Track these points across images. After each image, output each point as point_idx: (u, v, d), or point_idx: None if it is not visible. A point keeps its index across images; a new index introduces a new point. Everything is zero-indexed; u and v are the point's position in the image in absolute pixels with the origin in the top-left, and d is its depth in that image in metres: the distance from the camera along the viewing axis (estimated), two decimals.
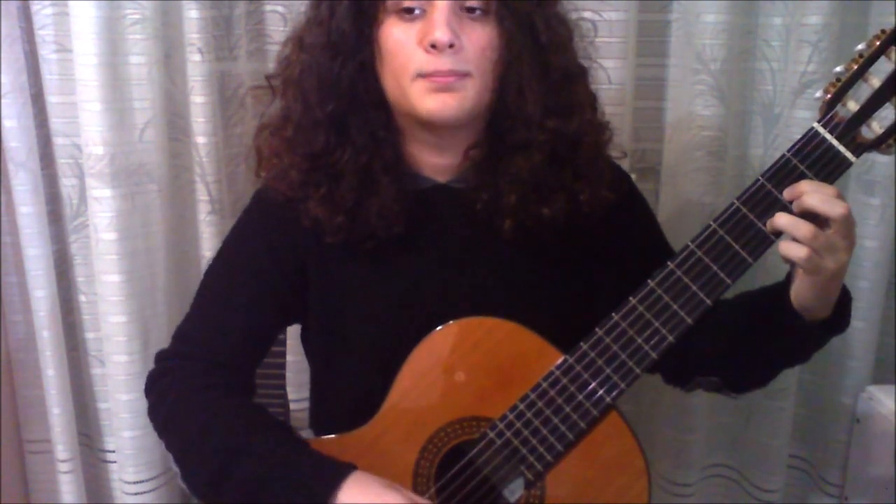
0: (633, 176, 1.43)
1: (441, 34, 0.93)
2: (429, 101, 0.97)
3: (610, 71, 1.52)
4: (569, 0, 1.46)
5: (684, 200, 1.50)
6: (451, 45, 0.94)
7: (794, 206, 0.90)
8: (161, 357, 1.13)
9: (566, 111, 1.01)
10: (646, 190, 1.51)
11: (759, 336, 1.00)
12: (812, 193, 0.89)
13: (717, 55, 1.44)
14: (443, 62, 0.95)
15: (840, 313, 0.97)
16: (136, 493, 1.65)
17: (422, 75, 0.96)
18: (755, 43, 1.49)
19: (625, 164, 1.54)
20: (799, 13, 1.43)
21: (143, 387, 1.12)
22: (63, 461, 1.67)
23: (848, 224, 0.89)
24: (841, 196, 0.89)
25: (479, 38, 0.97)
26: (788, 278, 0.96)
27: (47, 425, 1.66)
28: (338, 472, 0.96)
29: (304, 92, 1.01)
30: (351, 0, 0.98)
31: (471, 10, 0.97)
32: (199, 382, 1.06)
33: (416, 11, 0.96)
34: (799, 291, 0.94)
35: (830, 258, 0.89)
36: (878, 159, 1.47)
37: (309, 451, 1.00)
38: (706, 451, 1.67)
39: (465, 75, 0.96)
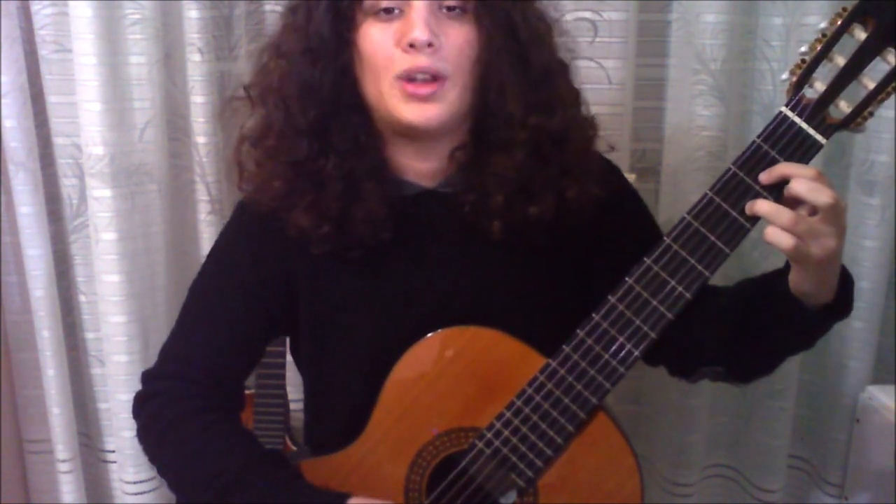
0: (633, 176, 1.44)
1: (419, 33, 0.93)
2: (408, 111, 0.96)
3: (610, 71, 1.52)
4: (569, 0, 1.47)
5: (684, 200, 1.50)
6: (429, 45, 0.93)
7: (785, 191, 0.89)
8: (148, 378, 1.10)
9: (548, 107, 1.00)
10: (646, 190, 1.51)
11: (761, 323, 0.99)
12: (799, 180, 0.87)
13: (717, 55, 1.44)
14: (421, 60, 0.94)
15: (842, 298, 0.95)
16: (136, 493, 1.65)
17: (400, 77, 0.95)
18: (755, 43, 1.48)
19: (625, 164, 1.55)
20: (799, 13, 1.43)
21: None
22: (63, 461, 1.67)
23: (835, 211, 0.87)
24: (820, 177, 0.88)
25: (458, 37, 0.96)
26: (788, 264, 0.95)
27: (47, 425, 1.67)
28: (335, 499, 0.97)
29: (284, 99, 1.00)
30: (328, 3, 0.97)
31: (450, 8, 0.96)
32: (190, 406, 1.05)
33: (395, 11, 0.95)
34: (794, 277, 0.93)
35: (816, 245, 0.87)
36: (878, 159, 1.47)
37: (304, 482, 1.01)
38: (706, 451, 1.67)
39: (443, 80, 0.95)
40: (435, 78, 0.96)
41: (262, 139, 1.03)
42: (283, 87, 1.00)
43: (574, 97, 1.05)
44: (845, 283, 0.96)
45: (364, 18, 0.97)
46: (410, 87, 0.95)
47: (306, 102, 0.99)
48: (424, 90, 0.95)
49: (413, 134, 1.00)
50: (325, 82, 0.98)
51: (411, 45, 0.93)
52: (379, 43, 0.96)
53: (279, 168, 1.01)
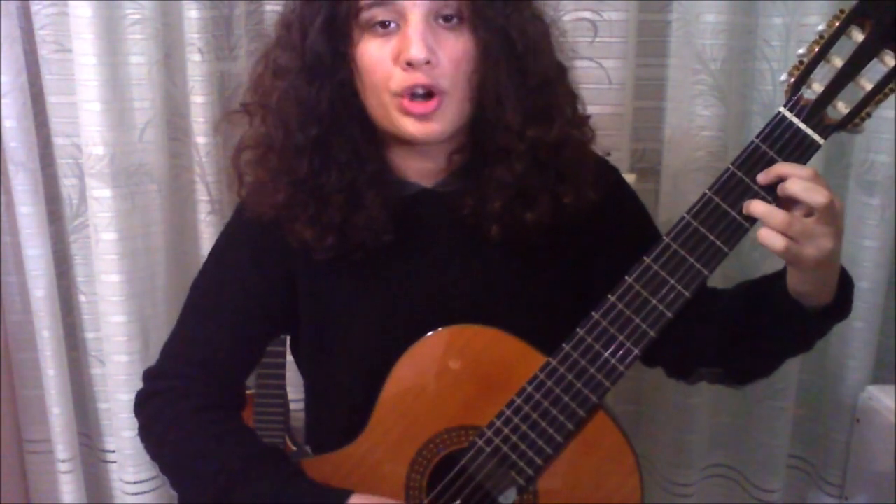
0: (633, 176, 1.44)
1: (417, 52, 0.92)
2: (409, 126, 0.96)
3: (610, 71, 1.52)
4: (569, 0, 1.47)
5: (684, 200, 1.50)
6: (427, 62, 0.93)
7: (778, 191, 0.89)
8: (150, 376, 1.11)
9: (546, 117, 1.00)
10: (646, 190, 1.52)
11: (760, 324, 0.99)
12: (794, 180, 0.87)
13: (717, 55, 1.44)
14: (419, 77, 0.94)
15: (841, 299, 0.95)
16: (136, 493, 1.65)
17: (399, 95, 0.95)
18: (755, 43, 1.48)
19: (625, 164, 1.55)
20: (799, 13, 1.43)
21: None
22: (63, 461, 1.67)
23: (831, 212, 0.86)
24: (816, 177, 0.87)
25: (455, 50, 0.95)
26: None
27: (47, 425, 1.67)
28: (336, 497, 0.97)
29: (284, 119, 0.99)
30: (323, 20, 0.96)
31: (446, 18, 0.95)
32: (191, 404, 1.05)
33: (391, 25, 0.95)
34: (792, 279, 0.93)
35: (810, 246, 0.87)
36: (878, 159, 1.47)
37: (306, 479, 1.01)
38: (706, 451, 1.67)
39: (442, 95, 0.95)
40: (433, 93, 0.95)
41: (263, 158, 1.03)
42: (282, 107, 0.99)
43: (572, 101, 1.05)
44: (845, 284, 0.96)
45: (360, 34, 0.96)
46: (407, 105, 0.95)
47: (306, 121, 0.99)
48: (424, 109, 0.95)
49: (414, 144, 1.00)
50: (322, 99, 0.98)
51: (409, 64, 0.93)
52: (376, 60, 0.95)
53: (280, 184, 1.01)
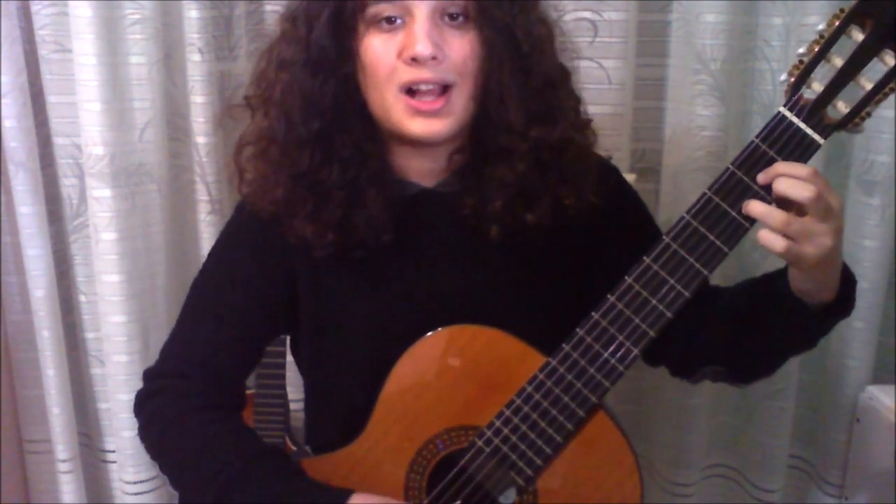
0: (633, 176, 1.44)
1: (422, 48, 0.92)
2: (414, 125, 0.96)
3: (610, 71, 1.52)
4: (569, 0, 1.47)
5: (684, 200, 1.50)
6: (433, 58, 0.93)
7: (772, 192, 0.89)
8: (150, 375, 1.11)
9: (549, 118, 1.00)
10: (646, 190, 1.51)
11: (762, 322, 0.99)
12: (780, 179, 0.87)
13: (717, 55, 1.44)
14: (424, 73, 0.94)
15: (844, 296, 0.95)
16: (136, 493, 1.65)
17: (404, 90, 0.95)
18: (755, 43, 1.48)
19: (625, 164, 1.55)
20: (799, 13, 1.43)
21: None
22: (63, 461, 1.67)
23: (823, 207, 0.86)
24: (815, 176, 0.86)
25: (462, 47, 0.95)
26: None
27: (47, 425, 1.67)
28: (337, 496, 0.97)
29: (286, 112, 0.99)
30: (329, 14, 0.96)
31: (451, 17, 0.95)
32: (191, 404, 1.05)
33: (397, 21, 0.95)
34: (794, 277, 0.93)
35: (809, 245, 0.86)
36: (878, 159, 1.47)
37: (306, 479, 1.01)
38: (706, 451, 1.67)
39: (449, 90, 0.95)
40: (442, 90, 0.96)
41: (265, 151, 1.03)
42: (285, 99, 1.00)
43: (575, 104, 1.05)
44: (847, 281, 0.96)
45: (366, 29, 0.96)
46: (415, 103, 0.95)
47: (309, 114, 0.99)
48: (431, 106, 0.95)
49: (416, 143, 1.00)
50: (326, 93, 0.98)
51: (414, 59, 0.93)
52: (381, 55, 0.96)
53: (281, 178, 1.01)
